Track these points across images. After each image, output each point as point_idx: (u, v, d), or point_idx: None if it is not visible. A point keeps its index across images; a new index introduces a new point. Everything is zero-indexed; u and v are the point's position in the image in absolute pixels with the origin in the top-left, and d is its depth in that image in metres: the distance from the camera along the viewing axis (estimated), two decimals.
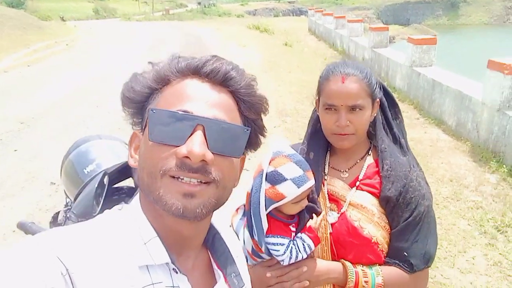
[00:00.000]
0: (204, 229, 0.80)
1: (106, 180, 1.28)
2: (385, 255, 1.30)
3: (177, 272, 0.71)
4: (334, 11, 20.42)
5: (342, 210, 1.31)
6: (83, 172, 1.34)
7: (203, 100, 0.70)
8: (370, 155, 1.37)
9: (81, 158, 1.38)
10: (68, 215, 1.30)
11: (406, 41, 8.43)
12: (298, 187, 1.19)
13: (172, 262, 0.70)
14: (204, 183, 0.68)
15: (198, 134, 0.67)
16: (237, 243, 0.93)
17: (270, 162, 1.22)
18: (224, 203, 0.74)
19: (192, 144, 0.66)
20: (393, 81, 9.06)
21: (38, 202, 4.36)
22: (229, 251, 0.84)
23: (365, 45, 11.46)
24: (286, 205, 1.23)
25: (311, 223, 1.27)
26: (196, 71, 0.73)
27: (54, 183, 4.69)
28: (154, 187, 0.68)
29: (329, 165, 1.39)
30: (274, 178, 1.20)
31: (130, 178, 1.34)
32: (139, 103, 0.75)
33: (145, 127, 0.73)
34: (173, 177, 0.67)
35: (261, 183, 1.20)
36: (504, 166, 4.87)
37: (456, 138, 6.01)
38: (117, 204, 1.27)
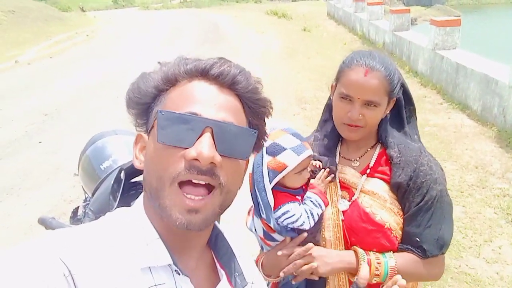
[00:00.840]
0: (208, 231, 0.81)
1: (122, 175, 1.29)
2: (399, 241, 1.29)
3: (179, 274, 0.71)
4: None
5: (354, 198, 1.31)
6: (100, 168, 1.36)
7: (211, 103, 0.71)
8: (380, 143, 1.36)
9: (98, 154, 1.39)
10: (86, 211, 1.31)
11: (429, 23, 8.18)
12: (298, 155, 1.23)
13: (175, 264, 0.70)
14: (209, 192, 0.69)
15: (207, 137, 0.67)
16: (239, 242, 0.93)
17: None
18: (229, 206, 0.75)
19: (201, 146, 0.66)
20: (415, 65, 8.83)
21: (62, 194, 4.47)
22: (232, 250, 0.84)
23: (386, 28, 11.18)
24: (289, 177, 1.26)
25: (312, 181, 1.32)
26: (204, 73, 0.73)
27: (77, 174, 4.76)
28: (162, 194, 0.68)
29: (339, 155, 1.39)
30: (274, 149, 1.24)
31: None
32: (144, 104, 0.75)
33: (151, 129, 0.73)
34: (181, 186, 0.68)
35: (262, 157, 1.24)
36: None
37: (482, 123, 5.83)
38: (134, 199, 1.28)
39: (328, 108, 1.40)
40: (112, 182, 1.24)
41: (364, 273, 1.10)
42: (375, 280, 1.26)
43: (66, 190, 4.52)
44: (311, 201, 1.27)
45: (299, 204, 1.27)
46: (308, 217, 1.25)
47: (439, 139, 5.37)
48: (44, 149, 5.76)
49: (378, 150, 1.34)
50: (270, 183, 1.24)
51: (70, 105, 7.85)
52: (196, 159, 0.66)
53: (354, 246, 1.29)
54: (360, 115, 1.22)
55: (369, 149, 1.35)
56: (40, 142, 6.02)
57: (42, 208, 4.10)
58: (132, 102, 0.75)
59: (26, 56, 13.44)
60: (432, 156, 1.34)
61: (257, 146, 0.82)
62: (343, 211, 1.31)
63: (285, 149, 1.23)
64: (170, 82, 0.73)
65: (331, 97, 1.36)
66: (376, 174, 1.31)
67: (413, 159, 1.27)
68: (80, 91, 8.79)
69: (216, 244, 0.84)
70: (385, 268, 1.24)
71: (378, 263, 1.24)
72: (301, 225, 1.24)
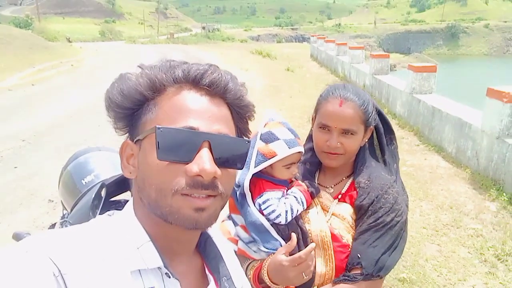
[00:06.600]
0: (198, 234, 0.81)
1: (103, 192, 1.28)
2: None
3: (169, 277, 0.70)
4: (336, 38, 20.75)
5: (326, 219, 1.36)
6: (81, 183, 1.34)
7: (206, 115, 0.71)
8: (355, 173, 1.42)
9: (80, 169, 1.38)
10: (64, 226, 1.29)
11: (407, 68, 8.53)
12: (289, 148, 1.29)
13: (165, 267, 0.70)
14: (212, 196, 0.70)
15: (206, 151, 0.68)
16: (229, 247, 0.93)
17: (265, 125, 1.34)
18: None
19: (203, 162, 0.67)
20: (393, 107, 9.12)
21: (35, 220, 4.34)
22: (221, 255, 0.84)
23: (366, 71, 11.60)
24: (277, 168, 1.32)
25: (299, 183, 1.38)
26: (194, 82, 0.72)
27: (52, 201, 4.67)
28: (164, 203, 0.68)
29: (317, 181, 1.45)
30: (268, 137, 1.31)
31: (128, 191, 1.34)
32: (128, 110, 0.73)
33: (142, 139, 0.72)
34: (184, 194, 0.68)
35: (255, 141, 1.31)
36: (504, 194, 4.84)
37: (456, 165, 6.00)
38: None
39: (310, 138, 1.48)
40: (92, 197, 1.22)
41: None
42: None
43: (39, 216, 4.40)
44: (295, 196, 1.31)
45: (282, 196, 1.32)
46: (287, 211, 1.28)
47: (416, 179, 5.48)
48: (19, 175, 5.63)
49: (352, 179, 1.40)
50: (256, 167, 1.28)
51: (49, 131, 7.75)
52: (198, 175, 0.67)
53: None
54: (338, 144, 1.31)
55: (344, 178, 1.42)
56: (15, 167, 5.89)
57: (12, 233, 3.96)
58: (114, 105, 0.73)
59: (7, 82, 13.32)
60: (404, 193, 1.37)
61: None
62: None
63: (278, 139, 1.29)
64: (158, 90, 0.72)
65: (312, 128, 1.44)
66: (346, 199, 1.37)
67: (381, 186, 1.31)
68: (60, 118, 8.71)
69: (205, 249, 0.84)
70: None
71: None
72: (277, 217, 1.28)
